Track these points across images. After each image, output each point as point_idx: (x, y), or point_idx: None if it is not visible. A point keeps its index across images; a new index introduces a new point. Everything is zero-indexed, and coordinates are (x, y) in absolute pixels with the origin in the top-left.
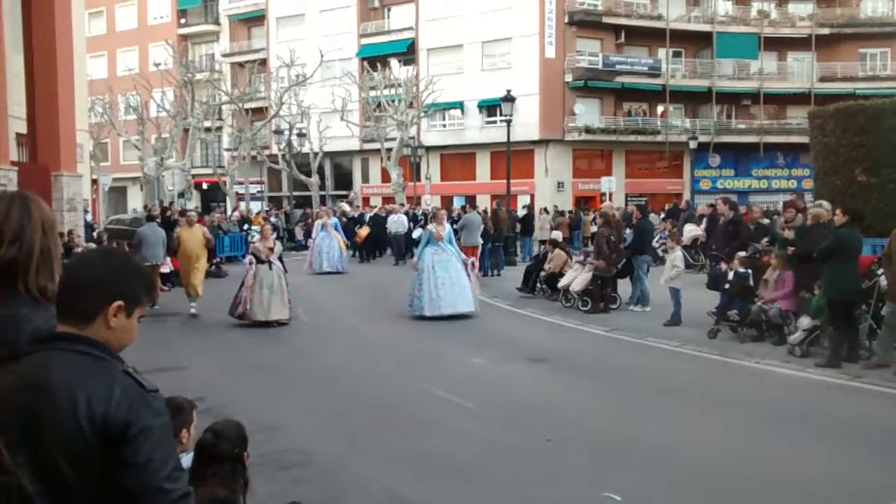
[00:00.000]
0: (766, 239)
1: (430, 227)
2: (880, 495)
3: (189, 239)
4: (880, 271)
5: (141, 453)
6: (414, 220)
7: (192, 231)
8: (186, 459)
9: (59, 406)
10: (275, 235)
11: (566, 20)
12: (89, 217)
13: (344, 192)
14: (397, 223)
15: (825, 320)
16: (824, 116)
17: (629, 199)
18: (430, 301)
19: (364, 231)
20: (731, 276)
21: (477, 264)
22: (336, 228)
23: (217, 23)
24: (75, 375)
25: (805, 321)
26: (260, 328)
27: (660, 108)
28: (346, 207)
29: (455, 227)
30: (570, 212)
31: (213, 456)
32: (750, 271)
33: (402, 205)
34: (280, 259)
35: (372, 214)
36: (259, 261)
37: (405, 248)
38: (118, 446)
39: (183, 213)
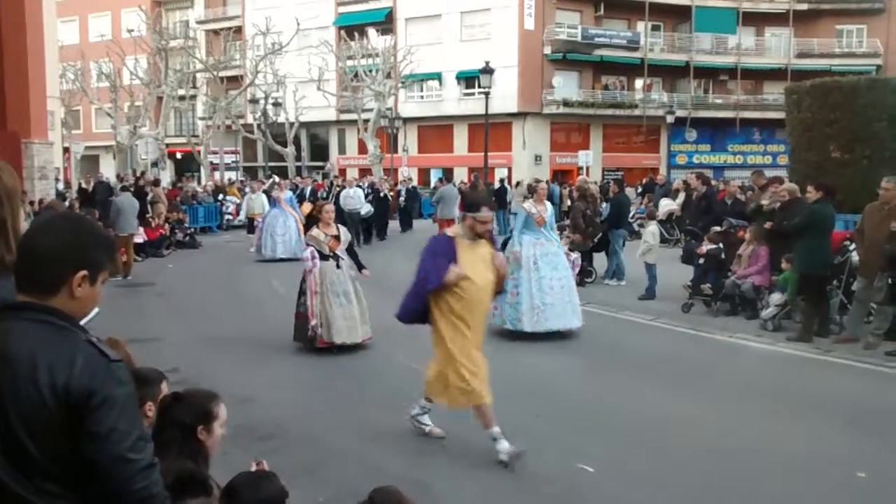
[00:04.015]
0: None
1: (526, 204)
2: (849, 465)
3: (473, 264)
4: (852, 247)
5: (104, 423)
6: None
7: (475, 249)
8: None
9: (19, 375)
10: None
11: None
12: (60, 185)
13: (320, 164)
14: (353, 199)
15: (792, 293)
16: (800, 92)
17: (606, 173)
18: (531, 311)
19: (307, 208)
20: (703, 249)
21: (577, 261)
22: (291, 204)
23: None
24: (37, 344)
25: (776, 296)
26: (236, 307)
27: (638, 82)
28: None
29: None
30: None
31: (166, 420)
32: (721, 246)
33: (368, 179)
34: (349, 251)
35: (310, 188)
36: (321, 256)
37: (367, 228)
38: (81, 416)
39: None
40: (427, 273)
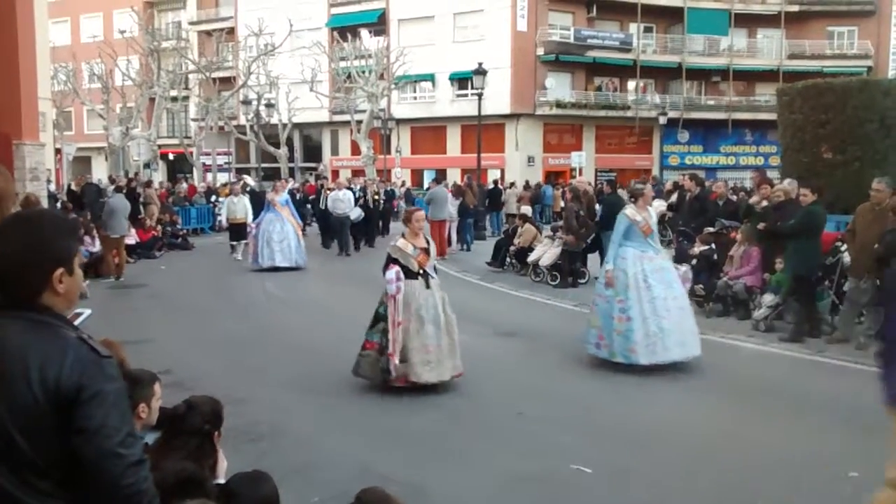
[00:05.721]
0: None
1: (628, 210)
2: (840, 465)
3: None
4: (844, 248)
5: (94, 418)
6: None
7: None
8: (149, 439)
9: (11, 374)
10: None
11: None
12: (52, 187)
13: (313, 165)
14: (343, 202)
15: (785, 294)
16: (792, 94)
17: (599, 174)
18: (646, 338)
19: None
20: (696, 251)
21: (688, 275)
22: (288, 206)
23: None
24: (27, 342)
25: (768, 297)
26: (228, 308)
27: (630, 84)
28: (250, 181)
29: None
30: (529, 186)
31: (181, 427)
32: (713, 247)
33: (373, 180)
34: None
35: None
36: (408, 274)
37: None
38: (71, 411)
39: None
40: None
